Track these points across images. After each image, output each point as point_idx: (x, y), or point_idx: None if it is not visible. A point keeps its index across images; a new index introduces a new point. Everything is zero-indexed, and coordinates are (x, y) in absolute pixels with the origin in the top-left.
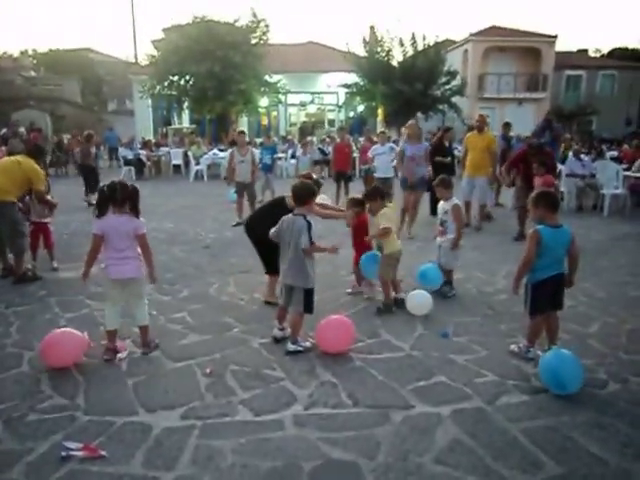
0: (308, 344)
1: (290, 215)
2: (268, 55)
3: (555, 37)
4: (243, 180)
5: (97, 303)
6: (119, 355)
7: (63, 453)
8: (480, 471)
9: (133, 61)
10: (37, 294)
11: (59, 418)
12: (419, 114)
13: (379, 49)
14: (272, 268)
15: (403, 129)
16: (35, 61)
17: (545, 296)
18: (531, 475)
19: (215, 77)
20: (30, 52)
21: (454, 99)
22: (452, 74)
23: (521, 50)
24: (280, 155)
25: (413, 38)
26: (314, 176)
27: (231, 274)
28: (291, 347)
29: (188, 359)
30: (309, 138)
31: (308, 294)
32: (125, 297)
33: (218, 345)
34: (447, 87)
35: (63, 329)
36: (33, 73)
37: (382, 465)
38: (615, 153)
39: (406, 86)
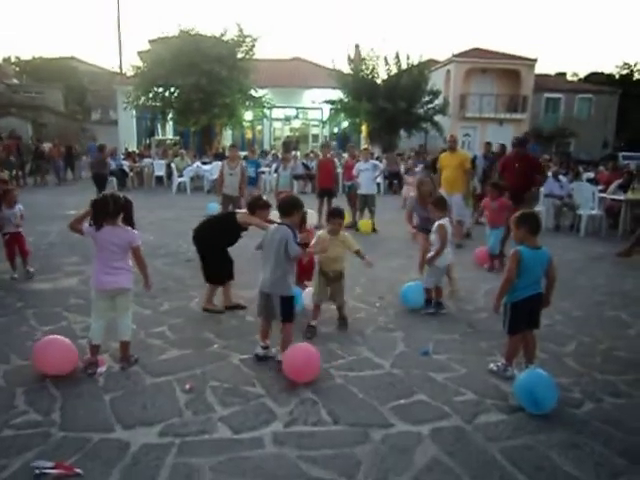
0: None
1: (275, 225)
2: (254, 69)
3: (535, 60)
4: (231, 193)
5: (75, 315)
6: (98, 370)
7: (37, 471)
8: None
9: (118, 71)
10: (14, 306)
11: (33, 434)
12: (402, 132)
13: (364, 67)
14: (215, 278)
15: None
16: (18, 68)
17: (523, 315)
18: None
19: (201, 90)
20: (13, 59)
21: (436, 118)
22: (435, 93)
23: (502, 72)
24: (264, 169)
25: (397, 57)
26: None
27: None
28: (279, 357)
29: (167, 374)
30: (293, 153)
31: (286, 302)
32: (112, 310)
33: (198, 360)
34: (430, 106)
35: (56, 336)
36: (15, 80)
37: None
38: (592, 174)
39: (390, 104)
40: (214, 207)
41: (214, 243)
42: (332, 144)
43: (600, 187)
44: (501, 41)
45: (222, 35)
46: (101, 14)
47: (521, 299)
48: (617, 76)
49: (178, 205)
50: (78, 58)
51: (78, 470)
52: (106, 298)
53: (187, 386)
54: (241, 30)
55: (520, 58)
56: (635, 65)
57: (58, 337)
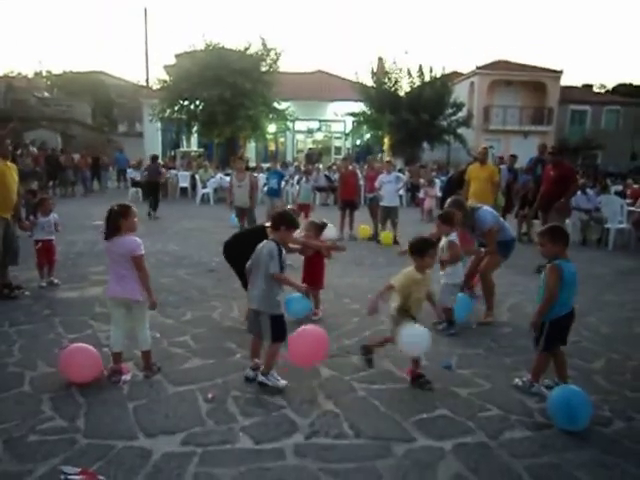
0: (280, 383)
1: (265, 240)
2: (278, 82)
3: (560, 72)
4: (241, 205)
5: (101, 324)
6: (122, 377)
7: (62, 477)
8: None
9: (144, 85)
10: (41, 313)
11: (59, 440)
12: (425, 144)
13: (387, 79)
14: None
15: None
16: (49, 82)
17: (560, 332)
18: None
19: (225, 102)
20: (44, 73)
21: (460, 130)
22: (458, 106)
23: (527, 84)
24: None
25: (420, 69)
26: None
27: (234, 299)
28: (261, 378)
29: (190, 384)
30: (315, 165)
31: (275, 321)
32: (128, 319)
33: (220, 370)
34: (453, 118)
35: (81, 344)
36: (46, 94)
37: None
38: (620, 187)
39: (412, 116)
40: (232, 219)
41: (244, 258)
42: (351, 156)
43: (629, 200)
44: (526, 53)
45: (247, 49)
46: (129, 29)
47: (561, 316)
48: None
49: (201, 216)
50: (106, 72)
51: (101, 478)
52: (120, 307)
53: (209, 395)
54: (265, 44)
55: (545, 70)
56: None
57: (83, 345)
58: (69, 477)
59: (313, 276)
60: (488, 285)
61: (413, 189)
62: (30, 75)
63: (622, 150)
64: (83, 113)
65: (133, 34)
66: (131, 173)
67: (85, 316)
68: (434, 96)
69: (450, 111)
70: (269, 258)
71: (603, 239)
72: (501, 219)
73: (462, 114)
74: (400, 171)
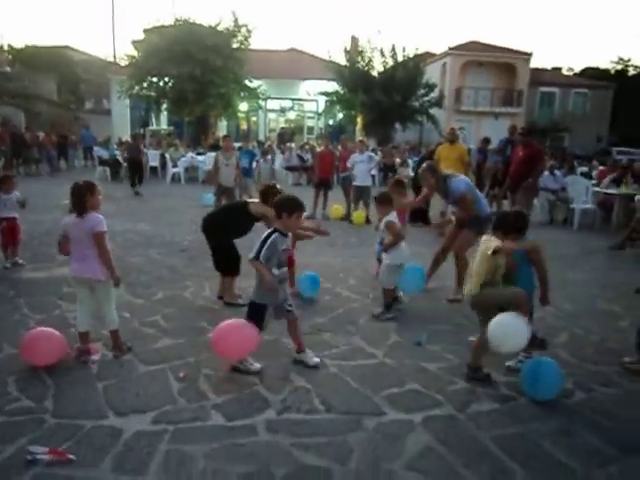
0: (254, 367)
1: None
2: (249, 60)
3: (530, 54)
4: (226, 184)
5: (68, 304)
6: (91, 358)
7: (29, 457)
8: (450, 478)
9: (112, 60)
10: (6, 295)
11: (27, 421)
12: (397, 125)
13: (360, 59)
14: (229, 269)
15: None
16: (10, 56)
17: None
18: None
19: (195, 80)
20: (6, 47)
21: (432, 111)
22: (430, 86)
23: (498, 65)
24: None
25: (393, 50)
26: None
27: (207, 278)
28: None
29: (161, 363)
30: (288, 144)
31: (252, 307)
32: (93, 299)
33: (192, 349)
34: (425, 99)
35: (44, 328)
36: (8, 69)
37: (354, 471)
38: (585, 169)
39: (385, 96)
40: (210, 198)
41: (223, 233)
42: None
43: (594, 181)
44: (498, 34)
45: (217, 25)
46: (96, 3)
47: None
48: (612, 71)
49: (173, 195)
50: (72, 47)
51: (71, 456)
52: (83, 286)
53: (181, 374)
54: (236, 20)
55: (516, 52)
56: (629, 60)
57: (45, 329)
58: (37, 456)
59: None
60: (461, 263)
61: (386, 169)
62: None
63: (588, 133)
64: (48, 89)
65: (100, 7)
66: (98, 151)
67: (52, 296)
68: (406, 77)
69: (422, 92)
70: (257, 244)
71: (569, 219)
72: (478, 192)
73: (434, 95)
74: (373, 151)
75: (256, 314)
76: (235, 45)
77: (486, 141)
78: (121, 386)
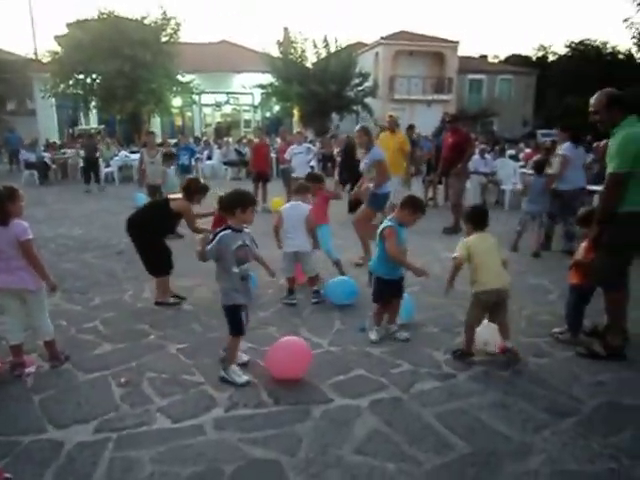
0: (241, 379)
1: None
2: (181, 54)
3: (458, 42)
4: (153, 182)
5: None
6: (26, 370)
7: None
8: (398, 457)
9: (33, 57)
10: None
11: None
12: (334, 114)
13: (293, 50)
14: (160, 270)
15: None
16: None
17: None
18: (444, 456)
19: (124, 76)
20: None
21: (367, 100)
22: (364, 76)
23: (428, 54)
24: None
25: (326, 40)
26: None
27: (146, 280)
28: (221, 373)
29: (102, 370)
30: (225, 139)
31: (228, 313)
32: (24, 310)
33: (133, 353)
34: (360, 89)
35: None
36: None
37: (303, 461)
38: (513, 152)
39: (320, 87)
40: (142, 197)
41: (148, 232)
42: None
43: (521, 163)
44: (427, 24)
45: (144, 18)
46: None
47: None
48: (534, 58)
49: (106, 196)
50: None
51: (7, 475)
52: (13, 298)
53: (122, 380)
54: (164, 13)
55: (444, 40)
56: (550, 47)
57: None
58: None
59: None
60: (360, 231)
61: (325, 160)
62: None
63: (514, 117)
64: None
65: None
66: (24, 154)
67: None
68: (340, 67)
69: (356, 81)
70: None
71: (500, 200)
72: (388, 174)
73: (368, 84)
74: (311, 142)
75: (235, 318)
76: (164, 39)
77: (411, 128)
78: (60, 397)
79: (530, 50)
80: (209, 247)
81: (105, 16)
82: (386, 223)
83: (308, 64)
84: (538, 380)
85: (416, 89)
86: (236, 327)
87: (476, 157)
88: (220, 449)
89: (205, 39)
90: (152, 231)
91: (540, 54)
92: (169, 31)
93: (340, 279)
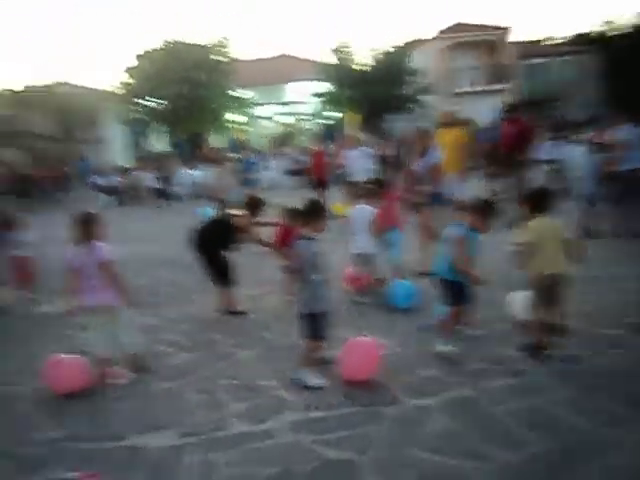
0: (318, 382)
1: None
2: (239, 70)
3: (513, 29)
4: (220, 196)
5: (86, 333)
6: (114, 381)
7: None
8: (472, 455)
9: (107, 89)
10: (26, 329)
11: (56, 450)
12: (389, 115)
13: (346, 55)
14: (226, 281)
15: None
16: (10, 100)
17: None
18: (519, 453)
19: (184, 98)
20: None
21: (425, 97)
22: (419, 73)
23: (484, 43)
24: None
25: (379, 41)
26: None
27: (215, 292)
28: (295, 376)
29: (179, 378)
30: (284, 149)
31: (308, 320)
32: (111, 325)
33: (208, 361)
34: (415, 86)
35: (66, 356)
36: (8, 112)
37: (377, 460)
38: (580, 136)
39: (374, 89)
40: (208, 212)
41: (212, 246)
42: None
43: (587, 147)
44: (481, 13)
45: (199, 41)
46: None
47: None
48: (597, 36)
49: (175, 213)
50: (67, 82)
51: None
52: (99, 314)
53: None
54: (220, 35)
55: (500, 28)
56: (614, 23)
57: (66, 357)
58: None
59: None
60: (424, 237)
61: (384, 162)
62: None
63: (580, 99)
64: (46, 126)
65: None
66: (98, 179)
67: (69, 327)
68: (395, 66)
69: (411, 79)
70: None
71: (567, 187)
72: (444, 175)
73: (424, 81)
74: (368, 146)
75: (315, 325)
76: (219, 58)
77: (467, 122)
78: (143, 405)
79: (591, 27)
80: (297, 258)
81: (168, 45)
82: (456, 229)
83: (362, 67)
84: (614, 373)
85: (474, 80)
86: (315, 333)
87: (541, 144)
88: (295, 451)
89: (265, 51)
90: (217, 245)
91: (603, 30)
92: (220, 49)
93: (401, 282)
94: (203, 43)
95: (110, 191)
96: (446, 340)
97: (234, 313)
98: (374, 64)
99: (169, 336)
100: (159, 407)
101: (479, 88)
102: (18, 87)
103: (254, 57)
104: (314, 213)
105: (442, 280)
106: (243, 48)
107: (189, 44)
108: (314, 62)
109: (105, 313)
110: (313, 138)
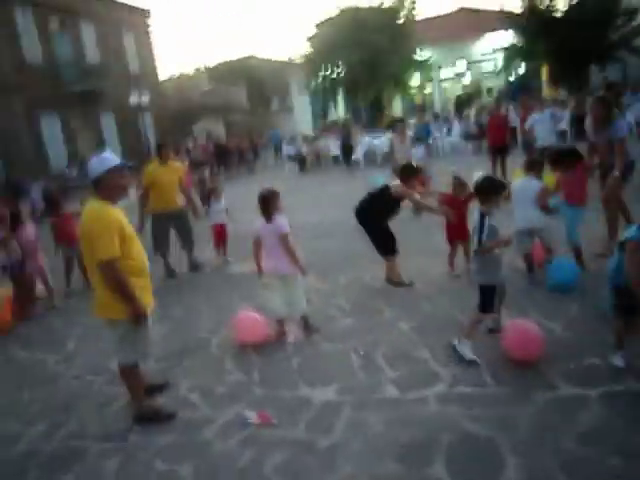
0: (470, 356)
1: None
2: (417, 31)
3: None
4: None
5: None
6: (287, 338)
7: (244, 419)
8: (625, 452)
9: (290, 60)
10: (220, 286)
11: (241, 390)
12: (593, 66)
13: (538, 1)
14: (388, 251)
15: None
16: (206, 76)
17: None
18: None
19: (365, 64)
20: (202, 69)
21: (637, 42)
22: (632, 12)
23: None
24: (436, 134)
25: None
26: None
27: (382, 262)
28: (455, 342)
29: (344, 341)
30: (465, 112)
31: (485, 291)
32: (285, 289)
33: (371, 328)
34: (625, 29)
35: (251, 313)
36: (206, 88)
37: (519, 442)
38: None
39: (574, 37)
40: (379, 180)
41: (373, 217)
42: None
43: None
44: None
45: (381, 5)
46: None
47: None
48: None
49: (354, 180)
50: (255, 56)
51: (274, 420)
52: (276, 279)
53: (361, 352)
54: None
55: None
56: None
57: (251, 314)
58: (249, 420)
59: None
60: (610, 212)
61: (579, 122)
62: (191, 73)
63: None
64: (239, 99)
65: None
66: (286, 148)
67: (255, 287)
68: (599, 7)
69: (620, 22)
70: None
71: None
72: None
73: (638, 22)
74: (562, 103)
75: (487, 299)
76: (401, 20)
77: (611, 87)
78: (310, 362)
79: None
80: (484, 236)
81: (345, 10)
82: (633, 232)
83: (558, 14)
84: None
85: None
86: (486, 305)
87: None
88: (440, 421)
89: (442, 9)
90: (377, 215)
91: None
92: (405, 12)
93: (564, 260)
94: (385, 6)
95: (297, 159)
96: (620, 354)
97: (397, 284)
98: (576, 7)
99: (339, 301)
100: (325, 365)
101: None
102: (211, 64)
103: (428, 15)
104: (489, 190)
105: (614, 288)
106: (420, 6)
107: (368, 8)
108: (495, 12)
109: (282, 279)
110: (496, 98)
